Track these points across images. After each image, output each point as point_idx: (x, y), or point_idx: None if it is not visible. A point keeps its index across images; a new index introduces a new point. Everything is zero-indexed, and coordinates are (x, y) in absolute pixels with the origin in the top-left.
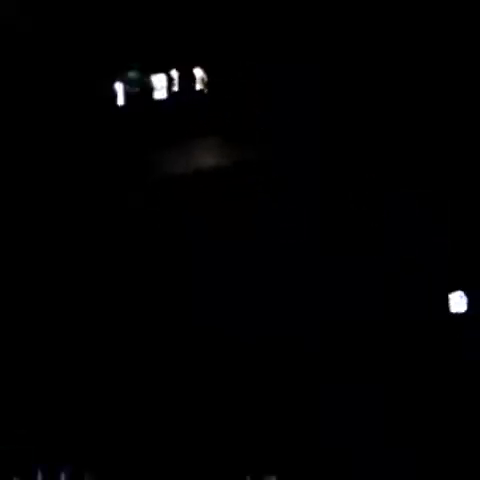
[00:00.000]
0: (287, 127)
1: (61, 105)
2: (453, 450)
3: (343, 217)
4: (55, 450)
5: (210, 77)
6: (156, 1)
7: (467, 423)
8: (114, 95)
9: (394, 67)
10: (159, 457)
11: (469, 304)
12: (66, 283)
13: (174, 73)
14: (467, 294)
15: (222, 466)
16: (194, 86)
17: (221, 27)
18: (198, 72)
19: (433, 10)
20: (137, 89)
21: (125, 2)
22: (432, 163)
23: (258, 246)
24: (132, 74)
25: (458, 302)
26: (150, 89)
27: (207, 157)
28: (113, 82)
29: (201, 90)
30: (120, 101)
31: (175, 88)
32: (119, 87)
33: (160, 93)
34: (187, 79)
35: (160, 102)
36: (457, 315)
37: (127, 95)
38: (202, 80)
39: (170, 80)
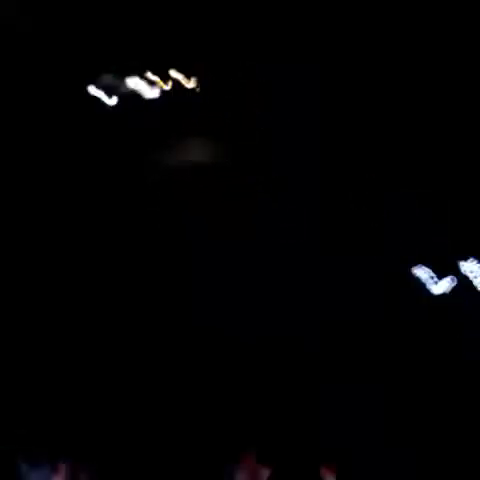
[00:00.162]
0: (287, 127)
1: (56, 104)
2: (453, 450)
3: (343, 217)
4: (55, 442)
5: (209, 77)
6: (156, 1)
7: (467, 423)
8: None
9: (394, 67)
10: (158, 457)
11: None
12: (65, 283)
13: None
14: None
15: (220, 467)
16: (186, 85)
17: (221, 27)
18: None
19: (433, 10)
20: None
21: (125, 2)
22: (432, 163)
23: (258, 246)
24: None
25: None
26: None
27: (207, 157)
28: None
29: (193, 89)
30: (111, 101)
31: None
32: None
33: (151, 92)
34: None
35: (152, 101)
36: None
37: (117, 94)
38: (195, 78)
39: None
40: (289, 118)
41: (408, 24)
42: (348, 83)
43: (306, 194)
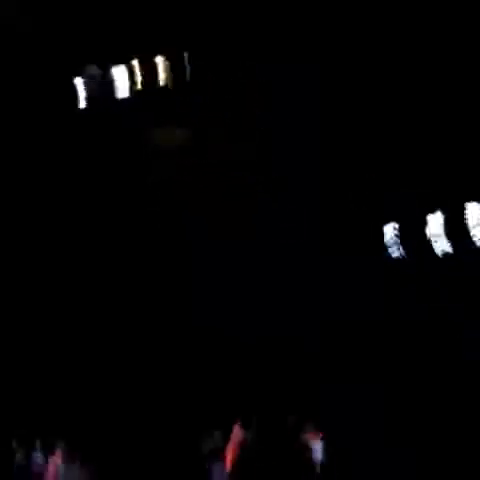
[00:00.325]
0: (287, 127)
1: (56, 104)
2: (453, 450)
3: (343, 217)
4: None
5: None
6: (156, 1)
7: (467, 423)
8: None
9: (394, 67)
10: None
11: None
12: (66, 283)
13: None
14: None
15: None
16: (158, 82)
17: (221, 27)
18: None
19: (433, 10)
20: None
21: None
22: (432, 163)
23: (258, 246)
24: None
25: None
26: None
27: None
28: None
29: (165, 86)
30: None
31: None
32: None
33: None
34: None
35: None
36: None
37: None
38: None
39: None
40: (289, 118)
41: (408, 25)
42: (348, 83)
43: (306, 194)
